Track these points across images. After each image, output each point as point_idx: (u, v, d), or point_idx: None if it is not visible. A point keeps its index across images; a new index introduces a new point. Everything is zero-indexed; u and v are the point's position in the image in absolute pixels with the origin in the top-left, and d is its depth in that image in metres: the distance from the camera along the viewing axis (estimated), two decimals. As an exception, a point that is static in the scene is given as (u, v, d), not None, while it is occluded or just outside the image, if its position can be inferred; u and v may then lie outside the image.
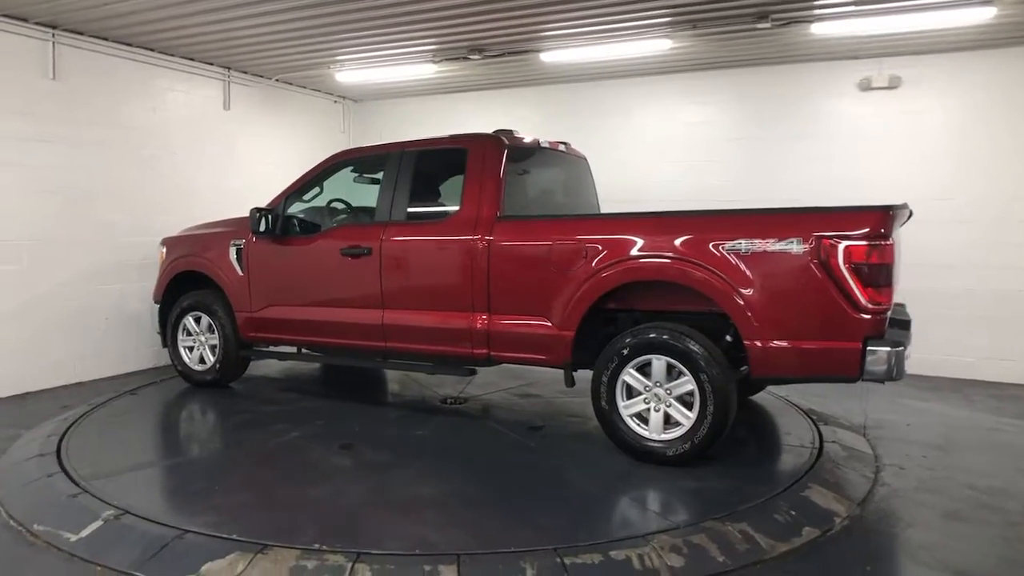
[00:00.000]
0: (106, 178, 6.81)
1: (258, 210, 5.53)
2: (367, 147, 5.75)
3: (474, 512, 3.75)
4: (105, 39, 6.66)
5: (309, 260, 5.56)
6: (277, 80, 8.43)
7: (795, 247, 3.96)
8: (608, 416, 4.48)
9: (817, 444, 4.84)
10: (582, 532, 3.47)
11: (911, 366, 6.90)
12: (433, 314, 5.06)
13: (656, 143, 8.19)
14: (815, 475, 4.25)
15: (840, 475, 4.35)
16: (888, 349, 3.84)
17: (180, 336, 6.30)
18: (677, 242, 4.27)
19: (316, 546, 3.27)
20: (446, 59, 7.46)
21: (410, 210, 5.23)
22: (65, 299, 6.54)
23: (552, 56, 7.09)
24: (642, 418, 4.42)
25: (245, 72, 8.13)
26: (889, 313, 3.97)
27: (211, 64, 7.71)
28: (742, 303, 4.09)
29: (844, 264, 3.86)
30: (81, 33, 6.46)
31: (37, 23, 6.13)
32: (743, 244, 4.09)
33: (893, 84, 7.15)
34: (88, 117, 6.63)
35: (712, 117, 7.95)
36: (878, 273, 3.85)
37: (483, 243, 4.82)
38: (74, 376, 6.62)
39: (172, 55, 7.28)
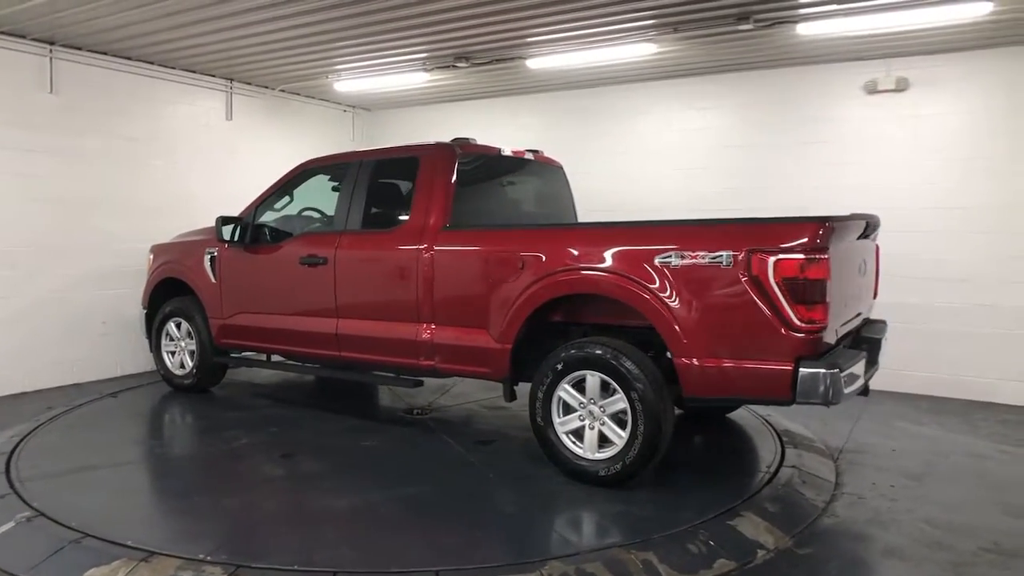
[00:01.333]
0: (105, 187, 7.05)
1: (224, 219, 5.62)
2: (331, 156, 5.76)
3: (377, 529, 3.67)
4: (104, 53, 6.91)
5: (273, 268, 5.60)
6: (281, 90, 8.59)
7: (725, 260, 3.75)
8: (544, 432, 4.33)
9: (775, 468, 4.56)
10: (480, 554, 3.37)
11: (920, 386, 6.60)
12: (383, 324, 5.02)
13: (656, 150, 7.96)
14: (755, 502, 4.00)
15: (786, 503, 4.08)
16: (822, 371, 3.58)
17: (163, 341, 6.46)
18: (608, 254, 4.11)
19: (200, 556, 3.26)
20: (437, 67, 7.44)
21: (364, 220, 5.21)
22: (63, 304, 6.80)
23: (538, 63, 6.98)
24: (578, 435, 4.26)
25: (249, 83, 8.31)
26: (825, 331, 3.69)
27: (213, 76, 7.92)
28: (671, 318, 3.90)
29: (774, 279, 3.63)
30: (79, 48, 6.72)
31: (35, 39, 6.41)
32: (673, 257, 3.89)
33: (900, 86, 6.74)
34: (87, 128, 6.88)
35: (712, 123, 7.67)
36: (811, 289, 3.59)
37: (428, 253, 4.76)
38: (71, 378, 6.86)
39: (172, 67, 7.50)
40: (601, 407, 4.16)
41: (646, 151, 8.01)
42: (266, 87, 8.48)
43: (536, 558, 3.31)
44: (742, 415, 5.79)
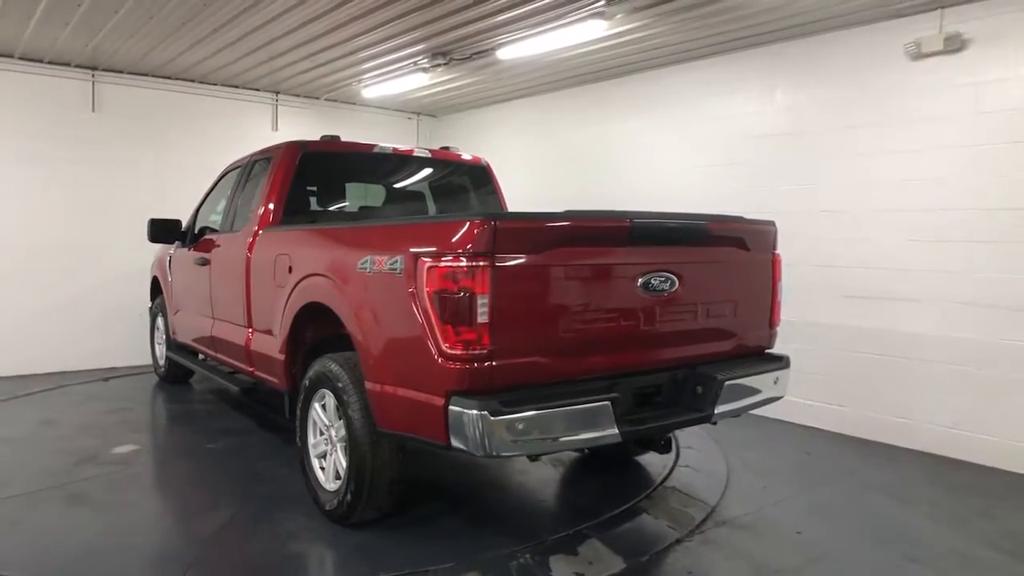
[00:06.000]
0: (151, 195, 7.84)
1: (153, 220, 5.90)
2: (243, 157, 5.78)
3: (79, 538, 3.56)
4: (144, 74, 7.75)
5: (190, 269, 5.79)
6: (327, 99, 8.91)
7: (399, 268, 3.07)
8: (300, 454, 3.93)
9: (571, 532, 3.63)
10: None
11: (970, 452, 4.81)
12: (232, 327, 4.93)
13: (675, 143, 6.88)
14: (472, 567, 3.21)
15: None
16: (470, 412, 2.75)
17: (156, 334, 7.03)
18: (329, 259, 3.61)
19: None
20: (432, 66, 7.16)
21: (235, 220, 5.17)
22: (102, 297, 7.69)
23: (508, 53, 6.38)
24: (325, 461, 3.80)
25: (297, 95, 8.76)
26: (495, 360, 2.82)
27: (257, 89, 8.47)
28: (361, 334, 3.29)
29: (426, 291, 2.89)
30: (120, 71, 7.61)
31: (78, 66, 7.38)
32: (368, 263, 3.29)
33: (951, 47, 5.02)
34: (127, 143, 7.74)
35: (735, 110, 6.39)
36: (463, 305, 2.78)
37: (249, 255, 4.58)
38: (108, 362, 7.75)
39: (213, 84, 8.16)
40: (336, 431, 3.66)
41: (666, 145, 6.96)
42: (315, 97, 8.87)
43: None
44: (653, 460, 4.74)
